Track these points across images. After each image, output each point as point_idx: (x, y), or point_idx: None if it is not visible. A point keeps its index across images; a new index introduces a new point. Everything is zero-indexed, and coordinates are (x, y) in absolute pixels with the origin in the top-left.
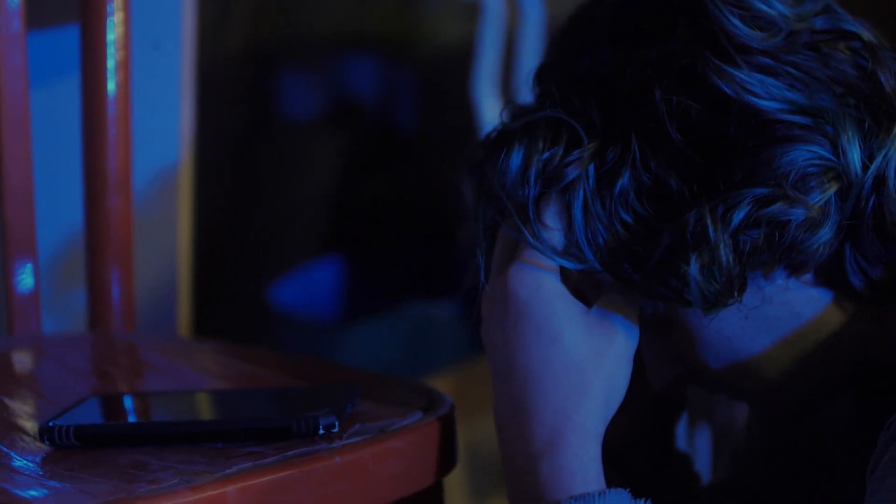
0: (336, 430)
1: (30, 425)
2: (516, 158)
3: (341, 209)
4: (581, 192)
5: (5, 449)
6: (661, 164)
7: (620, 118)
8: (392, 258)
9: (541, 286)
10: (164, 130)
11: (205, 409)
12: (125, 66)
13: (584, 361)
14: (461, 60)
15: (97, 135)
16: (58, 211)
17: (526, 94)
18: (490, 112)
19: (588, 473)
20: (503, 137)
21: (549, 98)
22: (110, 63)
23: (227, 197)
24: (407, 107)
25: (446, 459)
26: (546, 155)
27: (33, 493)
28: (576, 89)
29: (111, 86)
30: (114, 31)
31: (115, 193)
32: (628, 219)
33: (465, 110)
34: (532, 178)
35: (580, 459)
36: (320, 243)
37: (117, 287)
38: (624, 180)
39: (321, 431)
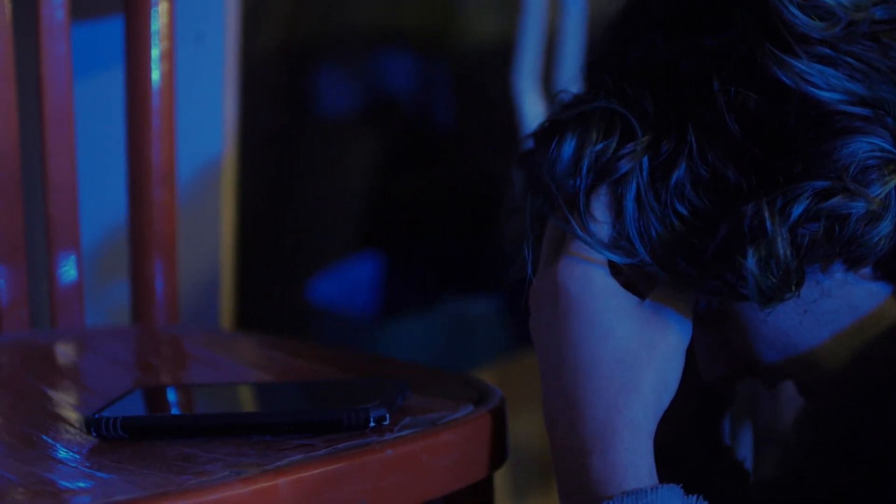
0: (387, 422)
1: (75, 417)
2: (568, 149)
3: (378, 205)
4: (634, 185)
5: (51, 440)
6: (719, 156)
7: (676, 109)
8: (430, 254)
9: (590, 280)
10: (207, 123)
11: (252, 402)
12: (169, 56)
13: (635, 356)
14: (498, 56)
15: (141, 126)
16: (101, 203)
17: (569, 87)
18: (531, 107)
19: (640, 469)
20: (555, 127)
21: (603, 89)
22: (154, 53)
23: (265, 192)
24: (444, 102)
25: (498, 453)
26: (599, 146)
27: (82, 484)
28: (629, 80)
29: (155, 77)
30: (157, 21)
31: (158, 185)
32: (684, 211)
33: (504, 106)
34: (584, 170)
35: (632, 454)
36: (358, 239)
37: (161, 279)
38: (680, 172)
39: (372, 424)
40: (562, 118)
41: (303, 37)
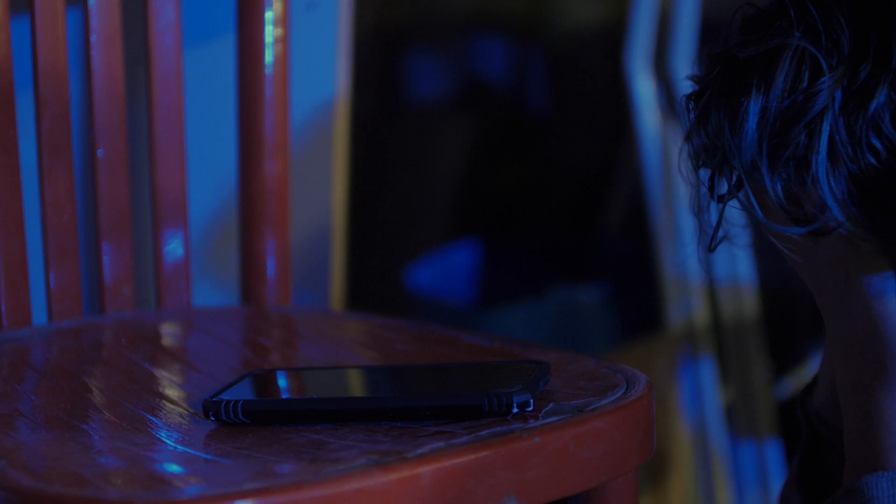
0: (531, 408)
1: (185, 399)
2: (754, 108)
3: (476, 192)
4: (826, 122)
5: (161, 423)
6: None
7: (876, 28)
8: (535, 242)
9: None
10: (318, 93)
11: (380, 386)
12: (283, 22)
13: None
14: (595, 39)
15: (253, 95)
16: (210, 177)
17: (684, 68)
18: (643, 88)
19: None
20: (734, 74)
21: (785, 20)
22: (268, 17)
23: (365, 175)
24: (541, 88)
25: (645, 445)
26: (786, 91)
27: (200, 470)
28: (817, 3)
29: (268, 43)
30: None
31: (271, 157)
32: (880, 147)
33: (601, 90)
34: (772, 117)
35: None
36: (457, 226)
37: (272, 257)
38: (879, 100)
39: (515, 410)
40: (741, 57)
41: (394, 22)
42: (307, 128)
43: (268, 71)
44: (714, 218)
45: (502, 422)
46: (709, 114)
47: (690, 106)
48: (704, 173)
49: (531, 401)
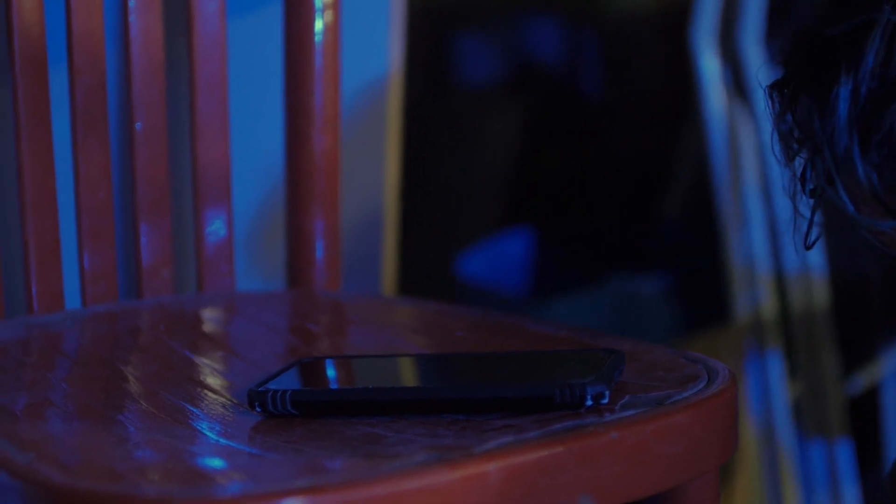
0: (606, 401)
1: (228, 389)
2: (844, 92)
3: (528, 179)
4: None
5: (201, 413)
6: None
7: None
8: (591, 230)
9: None
10: (372, 68)
11: (440, 376)
12: None
13: None
14: (656, 17)
15: (302, 65)
16: (255, 152)
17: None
18: (709, 67)
19: None
20: (821, 49)
21: None
22: None
23: (412, 159)
24: (595, 69)
25: (728, 442)
26: (876, 65)
27: (245, 465)
28: None
29: (318, 8)
30: None
31: (320, 132)
32: None
33: (658, 72)
34: (862, 99)
35: None
36: (509, 213)
37: (322, 239)
38: None
39: (589, 402)
40: (826, 35)
41: (442, 1)
42: (358, 104)
43: (318, 39)
44: (807, 213)
45: (575, 415)
46: (796, 101)
47: (774, 95)
48: (797, 163)
49: (606, 392)
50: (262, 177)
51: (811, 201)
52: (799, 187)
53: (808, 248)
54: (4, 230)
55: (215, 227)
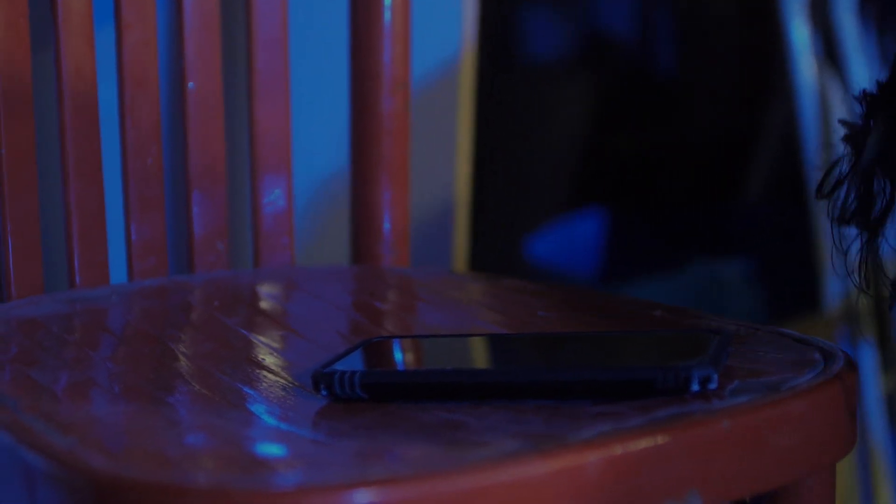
0: (714, 385)
1: (288, 370)
2: None
3: (602, 157)
4: None
5: (259, 395)
6: None
7: None
8: (669, 211)
9: None
10: (443, 39)
11: (524, 357)
12: None
13: None
14: None
15: (369, 21)
16: (317, 116)
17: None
18: (799, 35)
19: None
20: None
21: None
22: None
23: (482, 134)
24: (671, 41)
25: (848, 434)
26: None
27: (311, 453)
28: None
29: None
30: None
31: (389, 93)
32: None
33: (746, 41)
34: None
35: None
36: (581, 194)
37: (389, 211)
38: None
39: (695, 387)
40: None
41: None
42: (429, 79)
43: None
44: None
45: (679, 401)
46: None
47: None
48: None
49: (715, 376)
50: (325, 143)
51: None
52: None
53: None
54: (45, 198)
55: (274, 198)
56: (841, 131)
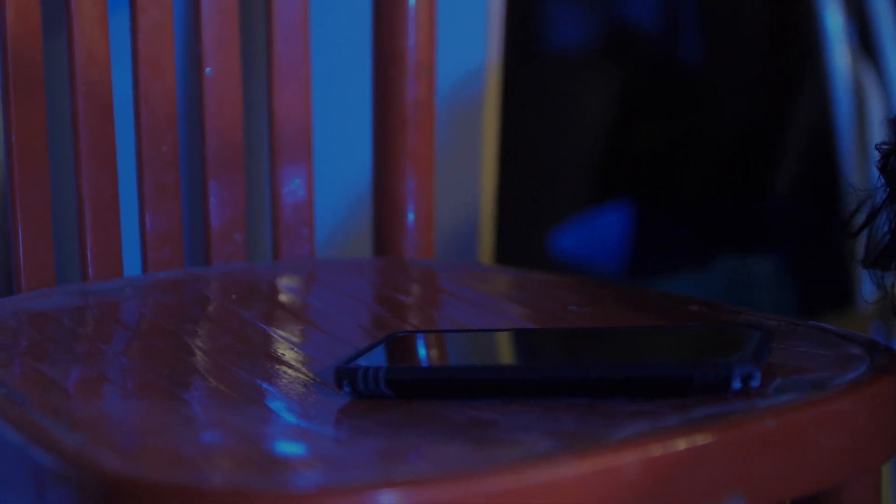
0: (756, 383)
1: (309, 365)
2: None
3: (627, 151)
4: None
5: (279, 392)
6: None
7: None
8: (697, 206)
9: None
10: (471, 18)
11: (555, 353)
12: None
13: None
14: None
15: (393, 5)
16: (340, 102)
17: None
18: (833, 20)
19: None
20: None
21: None
22: None
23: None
24: (697, 31)
25: (894, 434)
26: None
27: (341, 453)
28: None
29: None
30: None
31: (414, 78)
32: None
33: (776, 29)
34: None
35: None
36: (606, 188)
37: (413, 201)
38: None
39: (736, 385)
40: None
41: None
42: (457, 53)
43: None
44: None
45: (720, 400)
46: None
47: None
48: None
49: (757, 374)
50: (347, 131)
51: None
52: None
53: None
54: (57, 187)
55: (294, 187)
56: (875, 156)
